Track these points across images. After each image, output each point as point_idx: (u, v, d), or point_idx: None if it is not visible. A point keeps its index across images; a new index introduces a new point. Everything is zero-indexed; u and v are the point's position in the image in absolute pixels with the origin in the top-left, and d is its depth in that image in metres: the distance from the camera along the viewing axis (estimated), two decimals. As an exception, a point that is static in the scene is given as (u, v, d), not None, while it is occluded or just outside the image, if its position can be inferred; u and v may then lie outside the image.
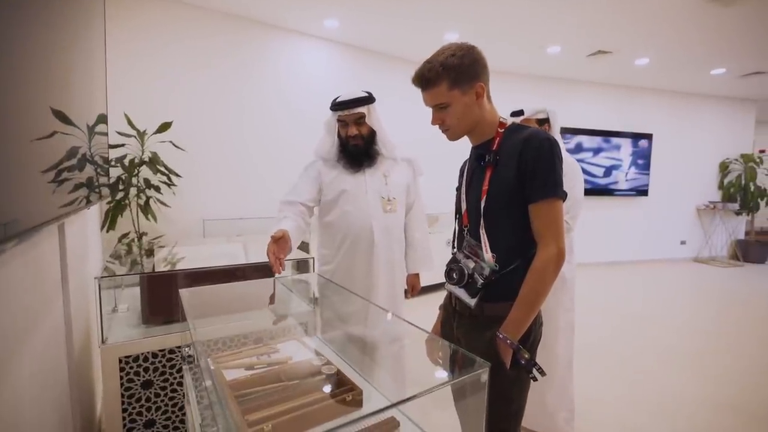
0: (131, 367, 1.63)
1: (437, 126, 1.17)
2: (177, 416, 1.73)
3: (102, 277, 1.67)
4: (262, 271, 1.96)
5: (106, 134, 1.96)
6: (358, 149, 1.79)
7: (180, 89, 3.64)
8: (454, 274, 1.15)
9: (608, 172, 6.54)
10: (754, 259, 7.10)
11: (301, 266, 2.17)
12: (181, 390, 1.72)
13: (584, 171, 6.18)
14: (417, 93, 1.17)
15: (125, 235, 3.25)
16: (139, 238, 3.28)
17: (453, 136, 1.17)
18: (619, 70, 5.66)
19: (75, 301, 1.60)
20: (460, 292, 1.14)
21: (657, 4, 3.58)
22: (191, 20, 3.67)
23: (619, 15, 3.84)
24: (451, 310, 1.24)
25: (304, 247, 2.31)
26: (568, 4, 3.61)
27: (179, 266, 2.24)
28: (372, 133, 1.81)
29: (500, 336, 1.06)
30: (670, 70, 5.59)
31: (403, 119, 4.43)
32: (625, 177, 6.64)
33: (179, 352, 1.69)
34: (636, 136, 6.62)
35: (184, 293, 1.40)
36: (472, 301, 1.11)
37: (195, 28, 3.69)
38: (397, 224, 1.87)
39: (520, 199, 1.07)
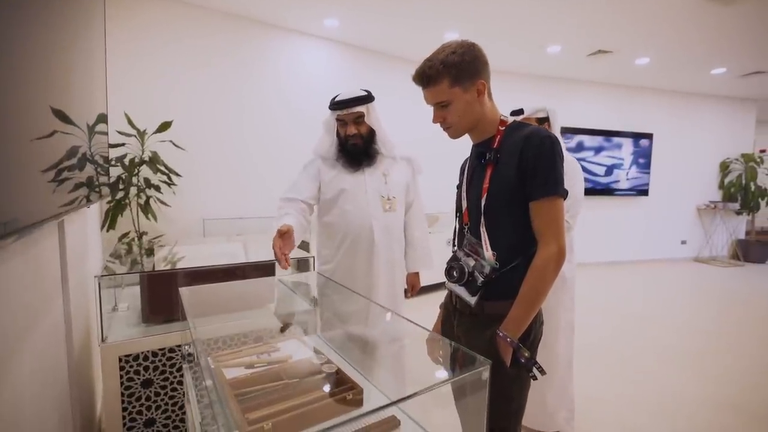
0: (131, 366, 1.63)
1: (438, 124, 1.17)
2: (177, 415, 1.73)
3: (102, 275, 1.67)
4: (262, 269, 1.96)
5: (106, 133, 1.96)
6: (357, 149, 1.78)
7: (180, 88, 3.64)
8: (455, 272, 1.15)
9: (609, 170, 6.54)
10: (754, 259, 7.10)
11: (301, 265, 2.17)
12: (181, 389, 1.72)
13: (585, 170, 6.25)
14: (417, 92, 1.17)
15: (125, 235, 3.25)
16: (139, 237, 3.28)
17: (454, 134, 1.17)
18: (619, 70, 5.66)
19: (75, 300, 1.60)
20: (461, 291, 1.14)
21: (657, 3, 3.57)
22: (191, 20, 3.67)
23: (619, 14, 3.84)
24: (451, 308, 1.24)
25: (304, 245, 2.32)
26: (569, 4, 3.61)
27: (179, 265, 2.23)
28: (371, 133, 1.80)
29: (500, 334, 1.05)
30: (671, 69, 5.59)
31: (404, 119, 4.43)
32: (626, 176, 6.64)
33: (179, 350, 1.68)
34: (636, 136, 6.62)
35: (184, 292, 1.39)
36: (472, 300, 1.10)
37: (195, 27, 3.69)
38: (397, 223, 1.87)
39: (520, 197, 1.07)
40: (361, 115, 1.75)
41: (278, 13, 3.86)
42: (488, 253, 1.09)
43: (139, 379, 1.65)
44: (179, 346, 1.68)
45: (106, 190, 1.98)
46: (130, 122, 3.18)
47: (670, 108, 6.82)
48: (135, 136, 3.23)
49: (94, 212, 2.74)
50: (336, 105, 1.76)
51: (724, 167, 7.27)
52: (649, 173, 6.77)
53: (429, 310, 1.54)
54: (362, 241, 1.77)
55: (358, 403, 1.02)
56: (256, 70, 4.04)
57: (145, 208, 3.25)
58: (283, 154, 4.11)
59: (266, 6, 3.72)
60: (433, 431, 1.02)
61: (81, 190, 1.31)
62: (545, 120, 2.07)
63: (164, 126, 3.27)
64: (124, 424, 1.64)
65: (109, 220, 3.10)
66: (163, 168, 3.27)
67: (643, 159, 6.71)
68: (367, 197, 1.78)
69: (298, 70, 4.30)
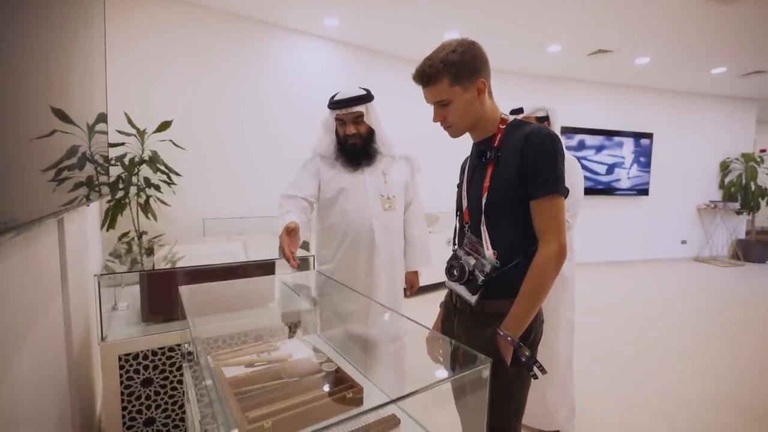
0: (131, 365, 1.63)
1: (439, 123, 1.17)
2: (177, 414, 1.72)
3: (101, 274, 1.67)
4: (262, 269, 1.95)
5: (106, 133, 1.95)
6: (356, 148, 1.77)
7: (180, 88, 3.64)
8: (455, 271, 1.14)
9: (611, 169, 6.54)
10: (754, 259, 7.10)
11: (301, 264, 2.17)
12: (181, 388, 1.71)
13: (587, 169, 6.25)
14: (417, 92, 1.17)
15: (125, 234, 3.25)
16: (139, 237, 3.28)
17: (455, 133, 1.17)
18: (619, 70, 5.66)
19: (74, 299, 1.60)
20: (461, 289, 1.14)
21: (657, 3, 3.57)
22: (191, 19, 3.67)
23: (619, 14, 3.84)
24: (451, 307, 1.24)
25: (303, 244, 2.31)
26: (569, 4, 3.61)
27: (179, 264, 2.23)
28: (370, 132, 1.79)
29: (501, 333, 1.05)
30: (671, 69, 5.59)
31: (404, 118, 4.42)
32: (627, 174, 6.64)
33: (179, 349, 1.68)
34: (636, 136, 6.61)
35: (184, 291, 1.39)
36: (472, 298, 1.10)
37: (195, 27, 3.69)
38: (397, 222, 1.86)
39: (521, 195, 1.07)
40: (360, 115, 1.74)
41: (278, 12, 3.86)
42: (489, 251, 1.09)
43: (138, 378, 1.65)
44: (179, 345, 1.68)
45: (105, 189, 1.98)
46: (130, 122, 3.18)
47: (671, 108, 6.82)
48: (135, 135, 3.23)
49: (93, 212, 2.74)
50: (335, 104, 1.74)
51: (725, 167, 7.27)
52: (649, 172, 6.77)
53: (429, 309, 1.54)
54: (363, 241, 1.76)
55: (358, 402, 1.01)
56: (255, 69, 4.03)
57: (145, 208, 3.25)
58: (283, 154, 4.10)
59: (266, 6, 3.72)
60: (433, 430, 1.02)
61: (81, 189, 1.31)
62: (545, 119, 2.07)
63: (164, 125, 3.27)
64: (124, 423, 1.64)
65: (109, 219, 3.10)
66: (163, 167, 3.27)
67: (644, 158, 6.71)
68: (367, 196, 1.77)
69: (298, 69, 4.30)
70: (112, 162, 2.98)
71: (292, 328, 1.75)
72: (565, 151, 1.72)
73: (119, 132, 3.10)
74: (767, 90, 6.52)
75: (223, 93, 3.87)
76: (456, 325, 1.21)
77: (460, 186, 1.24)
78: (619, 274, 6.14)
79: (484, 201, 1.11)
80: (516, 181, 1.06)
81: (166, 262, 2.27)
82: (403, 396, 0.78)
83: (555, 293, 1.88)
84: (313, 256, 2.06)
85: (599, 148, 6.43)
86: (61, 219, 1.43)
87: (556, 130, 2.10)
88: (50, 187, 1.00)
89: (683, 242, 7.25)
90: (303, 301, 1.87)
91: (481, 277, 1.08)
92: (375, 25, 4.15)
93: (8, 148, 0.72)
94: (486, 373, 0.84)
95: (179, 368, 1.70)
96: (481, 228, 1.11)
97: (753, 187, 7.03)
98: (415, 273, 2.03)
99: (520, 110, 2.09)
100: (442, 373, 1.13)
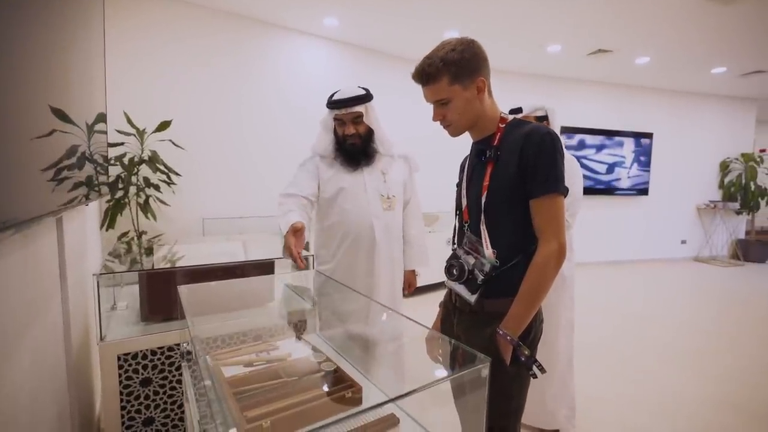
0: (130, 365, 1.63)
1: (438, 122, 1.17)
2: (176, 413, 1.72)
3: (101, 273, 1.67)
4: (261, 268, 1.95)
5: (106, 133, 1.95)
6: (355, 148, 1.76)
7: (179, 88, 3.64)
8: (455, 270, 1.14)
9: (611, 168, 6.53)
10: (754, 259, 7.09)
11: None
12: (180, 387, 1.71)
13: (587, 168, 6.24)
14: (417, 91, 1.17)
15: (125, 234, 3.24)
16: (139, 236, 3.28)
17: (455, 131, 1.16)
18: (619, 69, 5.66)
19: (73, 298, 1.60)
20: (460, 289, 1.13)
21: (657, 3, 3.57)
22: (191, 19, 3.66)
23: (619, 14, 3.83)
24: (451, 306, 1.24)
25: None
26: (569, 3, 3.60)
27: (178, 264, 2.23)
28: (369, 132, 1.78)
29: (500, 332, 1.05)
30: (671, 69, 5.59)
31: (403, 118, 4.42)
32: (627, 174, 6.63)
33: (178, 349, 1.68)
34: (636, 135, 6.61)
35: (183, 290, 1.39)
36: (472, 298, 1.10)
37: (194, 26, 3.69)
38: (397, 222, 1.86)
39: (521, 194, 1.06)
40: (359, 115, 1.73)
41: (278, 12, 3.86)
42: (488, 251, 1.09)
43: (137, 377, 1.65)
44: (178, 344, 1.68)
45: (105, 189, 1.98)
46: (129, 121, 3.18)
47: (670, 107, 6.82)
48: (134, 135, 3.23)
49: (93, 211, 2.73)
50: (334, 104, 1.73)
51: (724, 167, 7.27)
52: (649, 172, 6.77)
53: (428, 309, 1.53)
54: (363, 241, 1.76)
55: (357, 401, 1.01)
56: (255, 69, 4.03)
57: (145, 208, 3.24)
58: (283, 154, 4.10)
59: (266, 5, 3.72)
60: (433, 430, 1.02)
61: (80, 189, 1.31)
62: (544, 118, 2.07)
63: (163, 125, 3.27)
64: (123, 423, 1.64)
65: (109, 219, 3.09)
66: (162, 167, 3.27)
67: (644, 157, 6.70)
68: (367, 196, 1.76)
69: (297, 69, 4.29)
70: (112, 162, 2.98)
71: (299, 327, 1.73)
72: (565, 150, 1.72)
73: (119, 132, 3.10)
74: (767, 90, 6.51)
75: (223, 93, 3.87)
76: (455, 324, 1.21)
77: (459, 185, 1.24)
78: (619, 273, 6.13)
79: (483, 200, 1.11)
80: (515, 180, 1.06)
81: (165, 261, 2.27)
82: (402, 395, 0.77)
83: (554, 293, 1.88)
84: (313, 255, 2.06)
85: (599, 148, 6.43)
86: (60, 218, 1.43)
87: (556, 129, 2.10)
88: (49, 186, 1.00)
89: (683, 242, 7.25)
90: (302, 301, 1.87)
91: (481, 277, 1.08)
92: (374, 24, 4.14)
93: (8, 148, 0.72)
94: (485, 372, 0.84)
95: (178, 368, 1.70)
96: (481, 227, 1.11)
97: (753, 187, 7.03)
98: (413, 272, 2.02)
99: (519, 110, 2.09)
100: (442, 372, 1.13)
